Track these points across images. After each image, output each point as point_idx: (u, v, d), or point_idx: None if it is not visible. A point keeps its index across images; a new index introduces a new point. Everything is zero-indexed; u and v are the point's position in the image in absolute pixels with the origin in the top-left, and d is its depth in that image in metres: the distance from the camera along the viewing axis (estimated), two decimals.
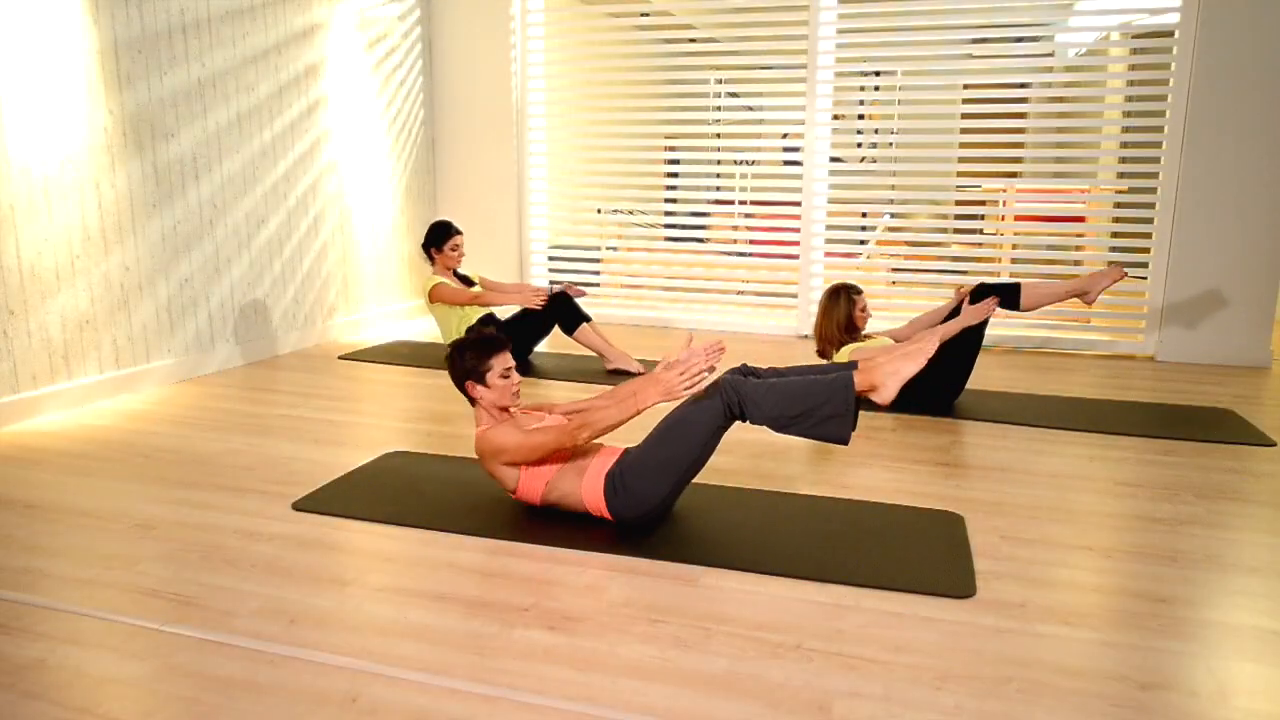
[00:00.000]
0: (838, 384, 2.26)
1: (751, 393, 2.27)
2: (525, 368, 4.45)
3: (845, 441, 2.27)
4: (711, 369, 2.23)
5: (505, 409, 2.51)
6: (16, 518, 2.51)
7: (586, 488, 2.41)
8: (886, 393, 2.30)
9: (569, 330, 4.36)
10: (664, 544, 2.33)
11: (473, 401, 2.52)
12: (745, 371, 2.43)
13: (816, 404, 2.24)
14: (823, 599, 2.07)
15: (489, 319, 4.48)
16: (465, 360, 2.47)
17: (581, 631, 1.91)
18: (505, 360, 2.47)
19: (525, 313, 4.43)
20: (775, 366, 2.47)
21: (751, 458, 3.08)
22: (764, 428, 2.40)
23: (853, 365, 2.34)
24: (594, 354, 4.54)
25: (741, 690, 1.70)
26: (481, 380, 2.47)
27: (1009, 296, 3.67)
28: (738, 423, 2.34)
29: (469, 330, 4.43)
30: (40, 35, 3.40)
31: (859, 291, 3.65)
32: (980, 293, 3.65)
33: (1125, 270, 3.74)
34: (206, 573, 2.18)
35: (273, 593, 2.08)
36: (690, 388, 2.22)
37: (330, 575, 2.17)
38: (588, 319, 4.38)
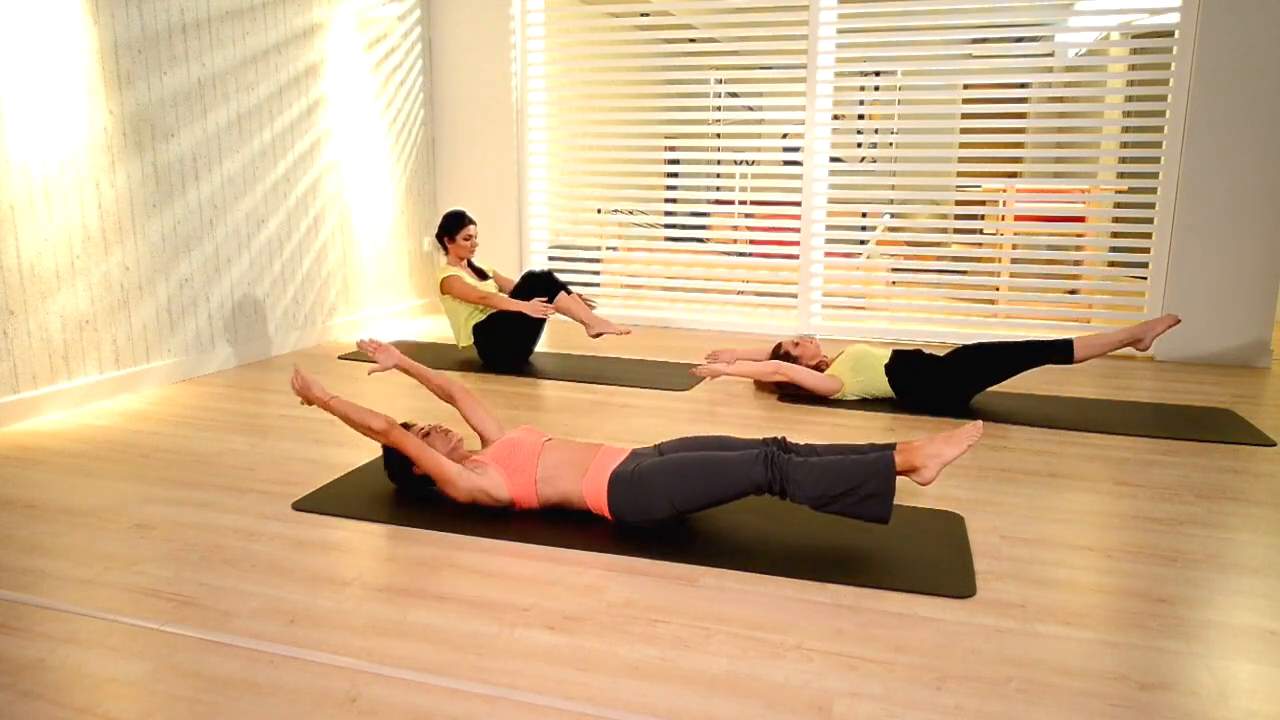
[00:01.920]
0: (879, 465, 2.24)
1: (794, 474, 2.25)
2: (525, 368, 4.45)
3: (886, 521, 2.26)
4: None
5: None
6: (16, 518, 2.51)
7: (588, 486, 2.41)
8: (927, 474, 2.28)
9: (550, 298, 4.37)
10: (664, 544, 2.33)
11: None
12: (782, 446, 2.42)
13: (857, 484, 2.22)
14: (823, 599, 2.07)
15: (499, 315, 4.45)
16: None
17: (581, 631, 1.91)
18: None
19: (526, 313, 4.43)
20: (812, 444, 2.46)
21: None
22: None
23: (892, 446, 2.34)
24: (577, 321, 4.46)
25: (741, 690, 1.70)
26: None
27: (1064, 352, 3.62)
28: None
29: (476, 327, 4.43)
30: (40, 35, 3.40)
31: (802, 340, 3.89)
32: (1032, 349, 3.63)
33: (1179, 318, 3.73)
34: (206, 573, 2.18)
35: (272, 593, 2.08)
36: None
37: (330, 575, 2.17)
38: (567, 289, 4.39)
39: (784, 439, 2.42)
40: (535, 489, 2.47)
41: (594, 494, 2.40)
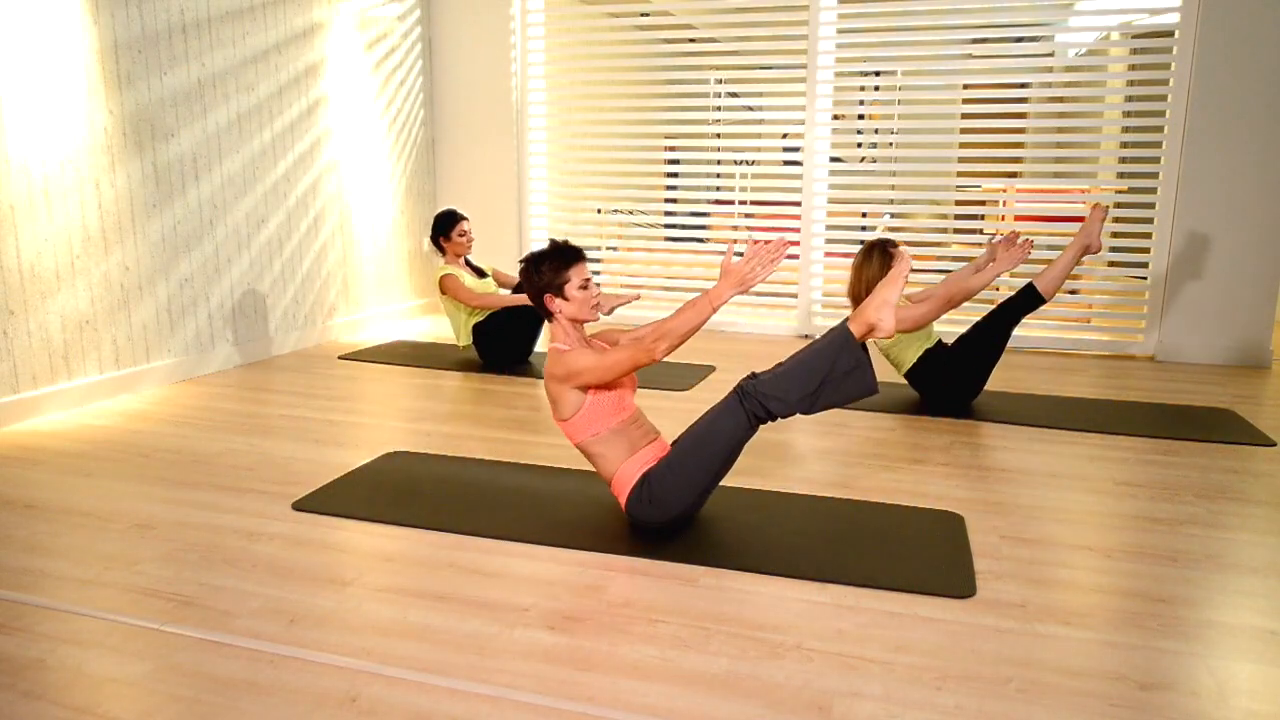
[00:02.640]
0: (839, 341, 2.27)
1: (768, 389, 2.27)
2: (525, 366, 4.45)
3: (874, 390, 2.27)
4: (779, 253, 2.26)
5: (583, 322, 2.46)
6: (16, 518, 2.51)
7: (624, 471, 2.38)
8: (885, 324, 2.30)
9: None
10: (664, 544, 2.33)
11: (549, 316, 2.45)
12: (750, 378, 2.42)
13: (829, 368, 2.24)
14: (823, 599, 2.07)
15: (500, 313, 4.45)
16: (542, 274, 2.40)
17: (581, 631, 1.91)
18: (583, 271, 2.41)
19: (526, 308, 4.42)
20: (779, 362, 2.46)
21: (752, 458, 3.08)
22: (794, 416, 2.41)
23: (842, 322, 2.34)
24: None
25: (741, 690, 1.70)
26: (560, 293, 2.40)
27: (1030, 298, 3.60)
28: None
29: (476, 326, 4.41)
30: (40, 35, 3.40)
31: (894, 246, 3.52)
32: (1007, 311, 3.58)
33: (1105, 206, 3.70)
34: (206, 573, 2.18)
35: (273, 593, 2.08)
36: (763, 275, 2.24)
37: (330, 575, 2.17)
38: None
39: (752, 373, 2.41)
40: (589, 439, 2.39)
41: (623, 482, 2.38)
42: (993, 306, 3.72)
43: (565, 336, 2.43)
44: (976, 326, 3.64)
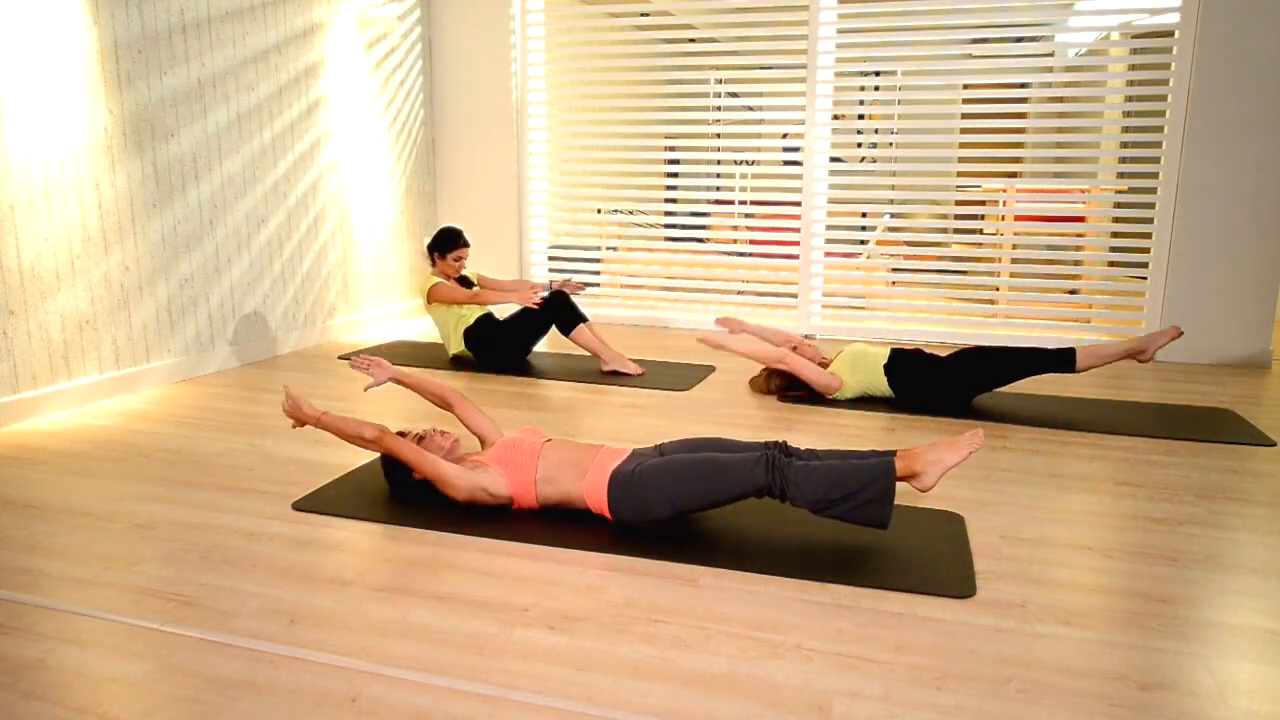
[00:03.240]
0: (879, 470, 2.25)
1: (794, 477, 2.26)
2: (523, 367, 4.45)
3: (885, 526, 2.27)
4: None
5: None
6: (16, 518, 2.51)
7: (589, 486, 2.41)
8: (928, 480, 2.29)
9: (566, 330, 4.35)
10: (664, 544, 2.33)
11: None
12: (783, 450, 2.42)
13: (857, 489, 2.23)
14: (823, 599, 2.07)
15: (487, 318, 4.49)
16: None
17: (581, 631, 1.91)
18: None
19: (524, 312, 4.42)
20: (813, 449, 2.46)
21: None
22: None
23: (892, 453, 2.34)
24: (590, 354, 4.54)
25: (741, 690, 1.70)
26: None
27: (1064, 361, 3.61)
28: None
29: (467, 331, 4.44)
30: (40, 35, 3.40)
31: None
32: (1034, 356, 3.63)
33: (1182, 330, 3.73)
34: (206, 573, 2.18)
35: (273, 593, 2.08)
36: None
37: (330, 575, 2.17)
38: (585, 319, 4.37)
39: (785, 443, 2.42)
40: (535, 488, 2.47)
41: (594, 493, 2.40)
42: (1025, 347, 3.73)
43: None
44: (998, 350, 3.64)
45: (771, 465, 2.28)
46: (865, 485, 2.23)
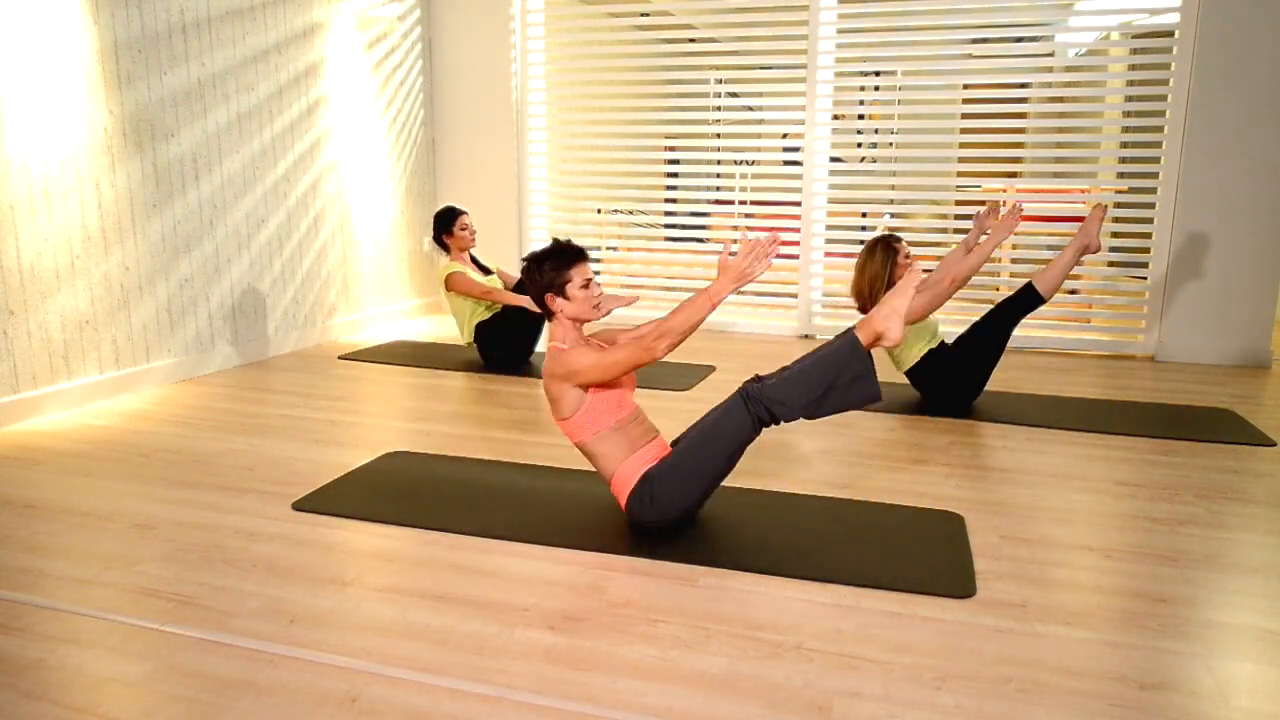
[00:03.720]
0: (845, 350, 2.29)
1: (773, 394, 2.28)
2: (525, 367, 4.45)
3: (878, 398, 2.30)
4: (773, 249, 2.25)
5: (584, 321, 2.45)
6: (16, 518, 2.51)
7: (624, 471, 2.37)
8: (893, 333, 2.33)
9: None
10: (664, 544, 2.33)
11: (549, 315, 2.44)
12: (755, 380, 2.42)
13: (835, 375, 2.26)
14: (823, 599, 2.07)
15: (499, 317, 4.46)
16: (544, 272, 2.39)
17: (581, 631, 1.91)
18: (585, 271, 2.40)
19: (528, 310, 4.42)
20: (783, 366, 2.46)
21: (753, 458, 3.08)
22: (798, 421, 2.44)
23: (851, 328, 2.36)
24: None
25: (741, 690, 1.70)
26: (561, 292, 2.39)
27: (1029, 298, 3.59)
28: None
29: (479, 325, 4.41)
30: (40, 35, 3.40)
31: (898, 241, 3.52)
32: (1007, 310, 3.57)
33: (1105, 206, 3.70)
34: (206, 573, 2.18)
35: (273, 593, 2.08)
36: (760, 269, 2.24)
37: (330, 575, 2.17)
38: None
39: (756, 375, 2.41)
40: (591, 434, 2.37)
41: (623, 481, 2.37)
42: (991, 306, 3.71)
43: (565, 336, 2.43)
44: (975, 327, 3.64)
45: (749, 398, 2.31)
46: (841, 369, 2.26)
